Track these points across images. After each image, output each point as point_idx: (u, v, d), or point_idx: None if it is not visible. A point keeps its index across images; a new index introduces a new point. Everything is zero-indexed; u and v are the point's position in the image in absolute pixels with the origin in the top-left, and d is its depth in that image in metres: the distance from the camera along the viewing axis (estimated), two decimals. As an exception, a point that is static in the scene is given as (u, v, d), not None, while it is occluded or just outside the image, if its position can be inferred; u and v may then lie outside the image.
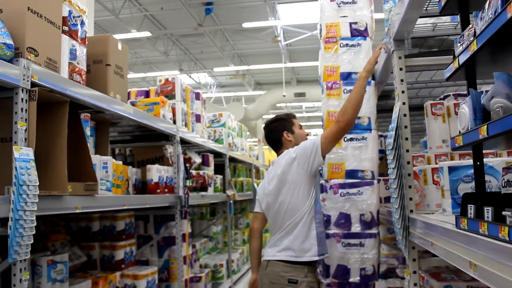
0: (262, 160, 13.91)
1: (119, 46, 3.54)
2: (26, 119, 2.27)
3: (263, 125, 3.59)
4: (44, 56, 2.48)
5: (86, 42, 3.06)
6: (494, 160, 2.21)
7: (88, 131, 3.31)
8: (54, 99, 2.59)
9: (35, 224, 2.22)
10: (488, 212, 1.43)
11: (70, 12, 2.83)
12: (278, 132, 3.35)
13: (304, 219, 3.06)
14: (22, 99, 2.24)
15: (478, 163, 1.82)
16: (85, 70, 3.03)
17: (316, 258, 3.07)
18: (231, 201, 7.45)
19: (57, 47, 2.65)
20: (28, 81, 2.28)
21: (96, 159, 3.29)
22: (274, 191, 3.18)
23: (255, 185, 9.74)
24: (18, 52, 2.32)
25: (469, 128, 1.67)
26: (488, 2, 1.50)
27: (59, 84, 2.57)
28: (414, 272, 2.59)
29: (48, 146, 2.61)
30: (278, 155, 3.33)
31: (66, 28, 2.77)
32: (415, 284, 2.59)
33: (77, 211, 2.81)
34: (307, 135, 3.49)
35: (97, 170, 3.25)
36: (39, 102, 2.38)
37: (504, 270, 1.22)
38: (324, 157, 3.07)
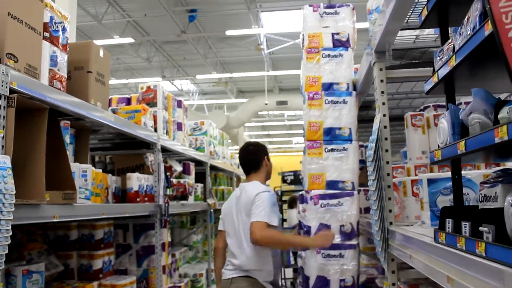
0: (244, 168, 13.91)
1: (101, 53, 3.51)
2: (3, 126, 2.23)
3: (243, 146, 3.81)
4: (23, 63, 2.44)
5: (68, 49, 3.03)
6: (472, 173, 2.24)
7: (67, 139, 3.27)
8: (33, 106, 2.56)
9: (10, 233, 2.17)
10: (465, 227, 1.44)
11: (51, 18, 2.80)
12: (261, 155, 3.61)
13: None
14: (0, 105, 2.21)
15: (457, 177, 1.84)
16: (66, 77, 3.00)
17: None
18: (212, 210, 7.42)
19: (37, 53, 2.61)
20: (6, 87, 2.24)
21: (75, 167, 3.25)
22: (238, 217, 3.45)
23: (236, 193, 9.72)
24: (-4, 58, 2.28)
25: (447, 143, 1.69)
26: (466, 18, 1.52)
27: (39, 90, 2.54)
28: (393, 284, 2.60)
29: (26, 153, 2.57)
30: (247, 177, 3.65)
31: (47, 34, 2.74)
32: (394, 296, 2.60)
33: (55, 220, 2.76)
34: None
35: (76, 178, 3.21)
36: (18, 109, 2.34)
37: (480, 286, 1.23)
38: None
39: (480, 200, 1.55)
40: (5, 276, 3.16)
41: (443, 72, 1.73)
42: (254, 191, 3.37)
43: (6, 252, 2.16)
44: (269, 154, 3.72)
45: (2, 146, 2.23)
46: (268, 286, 3.33)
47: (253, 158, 3.62)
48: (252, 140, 29.10)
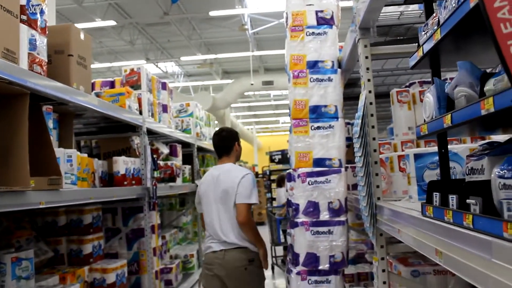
0: (231, 149, 13.90)
1: (82, 36, 3.45)
2: (-17, 113, 2.19)
3: (216, 131, 4.14)
4: (1, 47, 2.38)
5: (47, 32, 2.96)
6: (459, 147, 2.26)
7: (51, 124, 3.22)
8: (13, 91, 2.51)
9: (-4, 221, 2.15)
10: (453, 200, 1.45)
11: (28, 1, 2.73)
12: (232, 141, 3.93)
13: None
14: (-22, 92, 2.16)
15: (443, 150, 1.84)
16: (46, 61, 2.94)
17: None
18: (200, 191, 7.41)
19: (15, 37, 2.55)
20: (-16, 73, 2.20)
21: (60, 152, 3.21)
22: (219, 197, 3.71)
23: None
24: (-27, 43, 2.23)
25: (433, 117, 1.69)
26: (451, -9, 1.50)
27: (18, 75, 2.48)
28: (382, 259, 2.63)
29: (8, 140, 2.53)
30: (220, 159, 3.95)
31: (24, 17, 2.67)
32: (383, 270, 2.62)
33: (41, 206, 2.74)
34: None
35: (61, 163, 3.17)
36: (-3, 95, 2.30)
37: (468, 257, 1.24)
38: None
39: (467, 173, 1.56)
40: (-7, 264, 3.14)
41: (428, 46, 1.72)
42: (239, 173, 3.68)
43: (-7, 240, 2.14)
44: (246, 137, 4.19)
45: (-16, 133, 2.19)
46: (255, 249, 3.65)
47: (225, 143, 3.92)
48: (246, 126, 29.11)
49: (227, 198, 3.64)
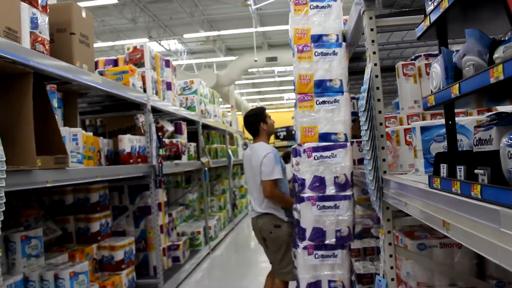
0: (236, 126, 13.86)
1: (83, 14, 3.42)
2: (-13, 92, 2.18)
3: (244, 115, 4.51)
4: (2, 26, 2.37)
5: (48, 10, 2.94)
6: (466, 119, 2.23)
7: (55, 103, 3.22)
8: (16, 70, 2.50)
9: (4, 200, 2.16)
10: (460, 171, 1.43)
11: (28, -21, 2.70)
12: (256, 123, 4.33)
13: None
14: (-18, 71, 2.15)
15: (450, 122, 1.82)
16: (48, 39, 2.92)
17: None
18: (206, 168, 7.44)
19: (16, 16, 2.53)
20: (-14, 52, 2.18)
21: (65, 131, 3.22)
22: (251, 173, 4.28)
23: (230, 151, 9.74)
24: (-26, 22, 2.21)
25: (441, 87, 1.67)
26: (458, -42, 1.47)
27: (21, 54, 2.47)
28: (389, 232, 2.63)
29: (14, 120, 2.53)
30: (254, 139, 4.45)
31: (25, -5, 2.65)
32: (389, 244, 2.63)
33: (48, 185, 2.76)
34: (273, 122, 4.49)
35: (67, 142, 3.18)
36: (1, 75, 2.29)
37: (476, 228, 1.24)
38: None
39: (475, 144, 1.54)
40: (4, 242, 3.18)
41: (435, 15, 1.68)
42: (262, 153, 4.13)
43: (2, 218, 2.15)
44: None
45: (-12, 113, 2.19)
46: (283, 217, 4.12)
47: (252, 126, 4.37)
48: (251, 103, 29.04)
49: (255, 174, 4.16)
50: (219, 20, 16.69)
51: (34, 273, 3.27)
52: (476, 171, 1.30)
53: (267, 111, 4.49)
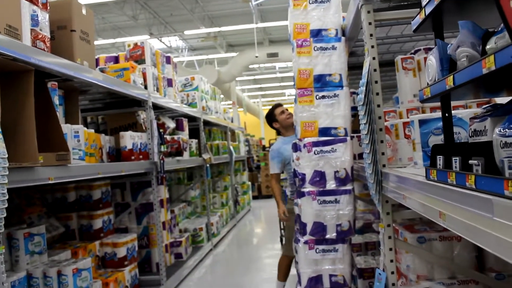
0: (237, 122, 13.86)
1: (84, 11, 3.43)
2: (-11, 90, 2.20)
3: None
4: (3, 23, 2.39)
5: (48, 7, 2.96)
6: (463, 112, 2.24)
7: (56, 100, 3.24)
8: (17, 68, 2.52)
9: (7, 197, 2.18)
10: (456, 162, 1.45)
11: (28, -23, 2.72)
12: (270, 123, 4.81)
13: None
14: (-17, 69, 2.17)
15: (447, 114, 1.84)
16: (49, 36, 2.94)
17: None
18: (208, 165, 7.45)
19: (16, 13, 2.55)
20: (-13, 49, 2.20)
21: (67, 128, 3.24)
22: None
23: (231, 148, 9.75)
24: (-26, 20, 2.23)
25: (436, 79, 1.68)
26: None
27: (22, 52, 2.49)
28: (388, 226, 2.64)
29: (15, 117, 2.55)
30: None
31: (24, -7, 2.66)
32: (389, 237, 2.64)
33: (50, 182, 2.78)
34: (287, 115, 4.70)
35: (69, 139, 3.20)
36: (2, 72, 2.31)
37: (471, 217, 1.25)
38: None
39: (470, 135, 1.55)
40: (7, 240, 3.21)
41: (430, 7, 1.69)
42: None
43: (5, 215, 2.18)
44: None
45: (-10, 110, 2.20)
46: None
47: (271, 127, 4.85)
48: (252, 100, 29.02)
49: None
50: (220, 16, 16.67)
51: (37, 270, 3.30)
52: (470, 161, 1.32)
53: (269, 107, 4.64)
